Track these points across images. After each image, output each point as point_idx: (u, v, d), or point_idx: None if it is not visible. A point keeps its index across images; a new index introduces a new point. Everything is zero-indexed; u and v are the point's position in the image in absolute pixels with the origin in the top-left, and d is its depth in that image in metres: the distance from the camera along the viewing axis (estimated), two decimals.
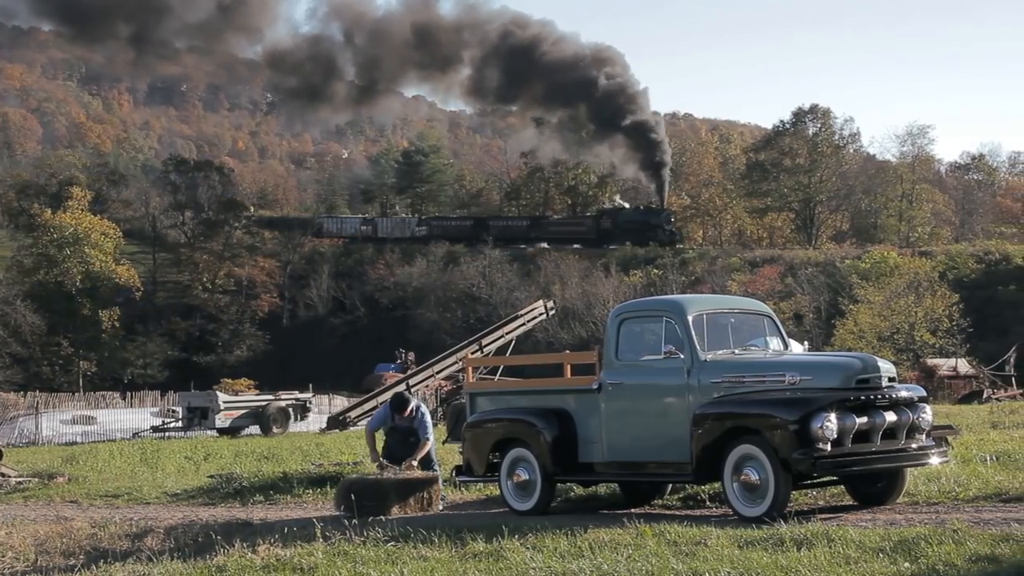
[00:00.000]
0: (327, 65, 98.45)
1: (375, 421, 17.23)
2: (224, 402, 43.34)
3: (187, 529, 15.10)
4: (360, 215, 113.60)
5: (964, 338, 57.37)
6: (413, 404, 16.82)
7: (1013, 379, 49.27)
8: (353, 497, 15.28)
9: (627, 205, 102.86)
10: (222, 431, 41.69)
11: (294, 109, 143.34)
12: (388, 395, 43.34)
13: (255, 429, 42.78)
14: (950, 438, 17.22)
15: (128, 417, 45.76)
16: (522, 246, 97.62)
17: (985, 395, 44.12)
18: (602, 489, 16.32)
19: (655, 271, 79.96)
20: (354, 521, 13.65)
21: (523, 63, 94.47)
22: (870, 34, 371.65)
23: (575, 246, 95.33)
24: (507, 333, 49.95)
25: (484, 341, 48.16)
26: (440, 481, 16.43)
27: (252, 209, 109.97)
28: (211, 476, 21.78)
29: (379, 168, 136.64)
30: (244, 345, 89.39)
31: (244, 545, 12.43)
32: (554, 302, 60.86)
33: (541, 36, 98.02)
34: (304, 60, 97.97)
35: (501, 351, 47.30)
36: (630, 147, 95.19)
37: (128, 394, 53.59)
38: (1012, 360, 50.52)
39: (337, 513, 15.69)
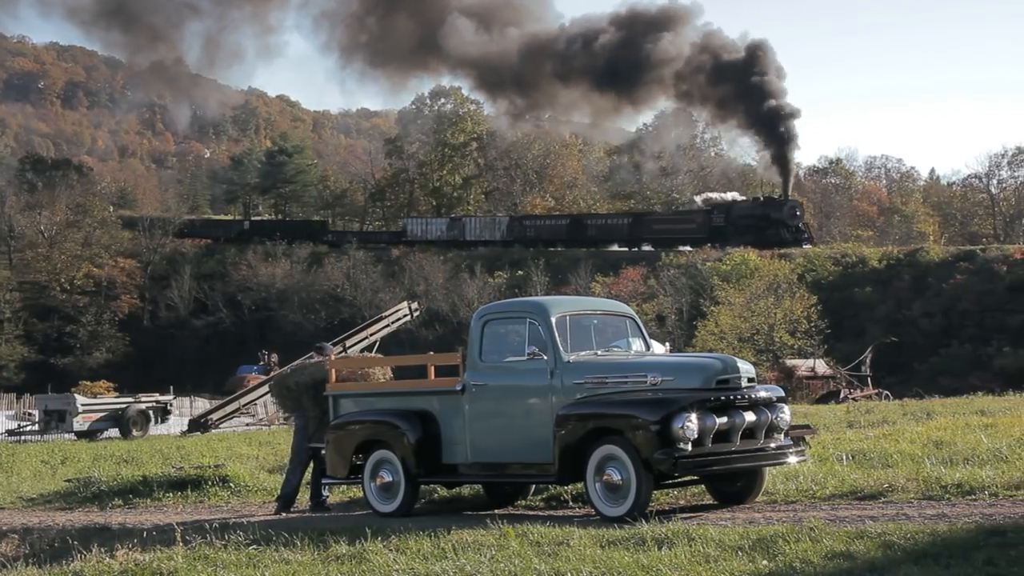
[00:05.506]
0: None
1: None
2: (82, 405, 42.52)
3: (43, 534, 14.84)
4: (448, 216, 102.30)
5: (822, 339, 58.26)
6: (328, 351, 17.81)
7: (869, 379, 50.12)
8: None
9: (741, 197, 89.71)
10: (80, 434, 40.94)
11: (140, 70, 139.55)
12: (251, 396, 43.28)
13: (114, 432, 42.06)
14: (808, 437, 17.48)
15: None
16: (622, 248, 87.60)
17: (842, 395, 44.84)
18: (466, 490, 16.34)
19: (519, 272, 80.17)
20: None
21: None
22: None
23: (684, 248, 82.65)
24: (371, 334, 49.85)
25: (348, 342, 47.92)
26: None
27: (111, 208, 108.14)
28: (68, 480, 21.41)
29: (242, 168, 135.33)
30: (103, 347, 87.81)
31: (102, 550, 12.25)
32: (419, 303, 60.77)
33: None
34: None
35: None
36: (750, 128, 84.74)
37: None
38: (868, 360, 51.38)
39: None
